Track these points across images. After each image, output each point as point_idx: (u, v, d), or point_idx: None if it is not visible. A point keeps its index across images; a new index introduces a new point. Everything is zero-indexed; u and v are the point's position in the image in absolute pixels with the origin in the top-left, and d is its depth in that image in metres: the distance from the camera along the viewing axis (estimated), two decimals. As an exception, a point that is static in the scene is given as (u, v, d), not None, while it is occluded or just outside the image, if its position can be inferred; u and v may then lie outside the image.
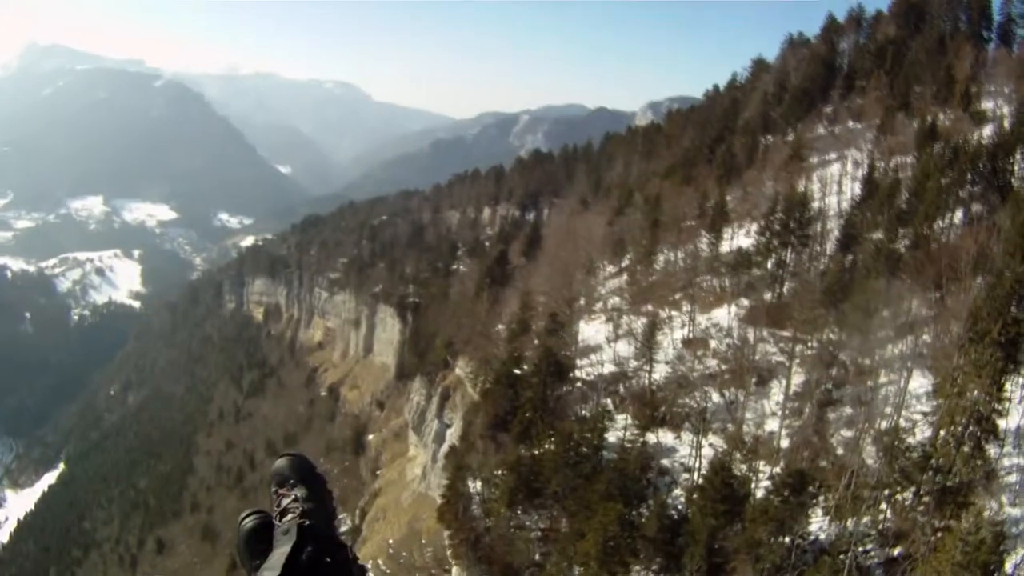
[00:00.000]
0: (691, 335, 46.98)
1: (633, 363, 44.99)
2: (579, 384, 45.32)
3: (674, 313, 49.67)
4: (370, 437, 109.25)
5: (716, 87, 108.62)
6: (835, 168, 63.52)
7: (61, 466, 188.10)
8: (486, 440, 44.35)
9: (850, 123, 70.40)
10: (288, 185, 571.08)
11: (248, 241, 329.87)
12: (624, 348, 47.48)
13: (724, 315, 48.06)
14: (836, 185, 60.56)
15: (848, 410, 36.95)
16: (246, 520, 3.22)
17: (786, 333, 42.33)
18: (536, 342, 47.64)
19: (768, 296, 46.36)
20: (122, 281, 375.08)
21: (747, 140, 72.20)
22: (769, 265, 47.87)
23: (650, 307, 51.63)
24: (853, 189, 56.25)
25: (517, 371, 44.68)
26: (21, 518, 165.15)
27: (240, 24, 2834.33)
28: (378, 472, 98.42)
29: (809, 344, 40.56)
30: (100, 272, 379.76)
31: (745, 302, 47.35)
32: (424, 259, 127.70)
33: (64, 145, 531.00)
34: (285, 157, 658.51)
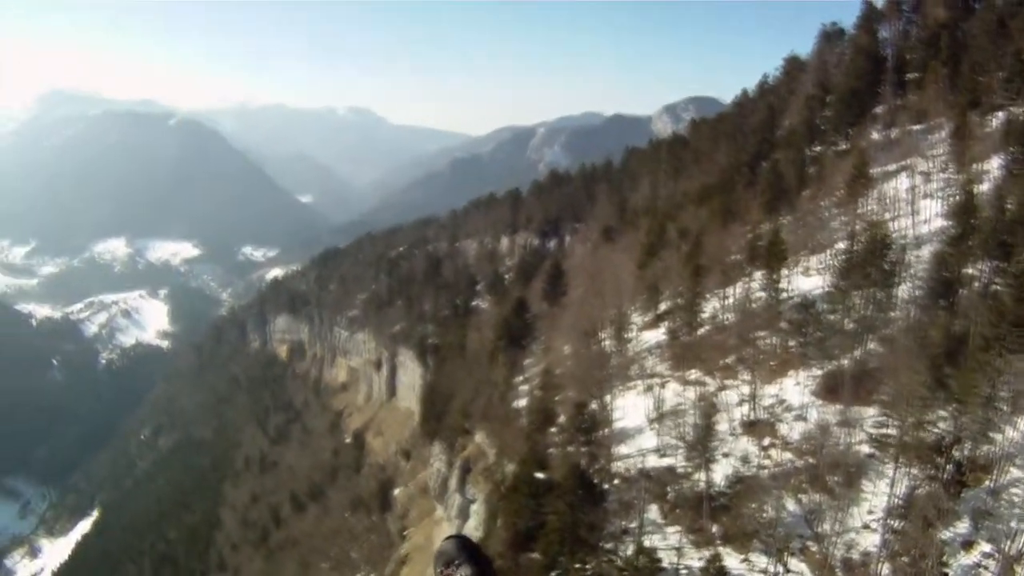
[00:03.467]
0: (752, 415, 37.85)
1: (682, 457, 35.99)
2: (616, 482, 36.59)
3: (728, 383, 40.65)
4: (396, 491, 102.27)
5: (745, 91, 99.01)
6: (901, 182, 53.92)
7: (95, 513, 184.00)
8: (507, 556, 35.79)
9: (910, 126, 60.87)
10: (310, 214, 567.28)
11: (274, 273, 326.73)
12: (670, 430, 38.48)
13: (791, 386, 38.68)
14: (906, 204, 51.00)
15: (965, 526, 28.10)
16: None
17: (872, 410, 33.46)
18: (560, 439, 38.87)
19: (845, 360, 37.18)
20: (149, 321, 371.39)
21: (793, 154, 62.55)
22: (846, 321, 38.57)
23: (697, 373, 42.72)
24: (929, 209, 46.98)
25: (540, 475, 36.26)
26: (56, 568, 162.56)
27: (248, 57, 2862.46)
28: (405, 533, 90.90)
29: (908, 430, 31.32)
30: (127, 314, 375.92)
31: (816, 370, 38.15)
32: (442, 296, 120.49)
33: (83, 190, 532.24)
34: (305, 187, 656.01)
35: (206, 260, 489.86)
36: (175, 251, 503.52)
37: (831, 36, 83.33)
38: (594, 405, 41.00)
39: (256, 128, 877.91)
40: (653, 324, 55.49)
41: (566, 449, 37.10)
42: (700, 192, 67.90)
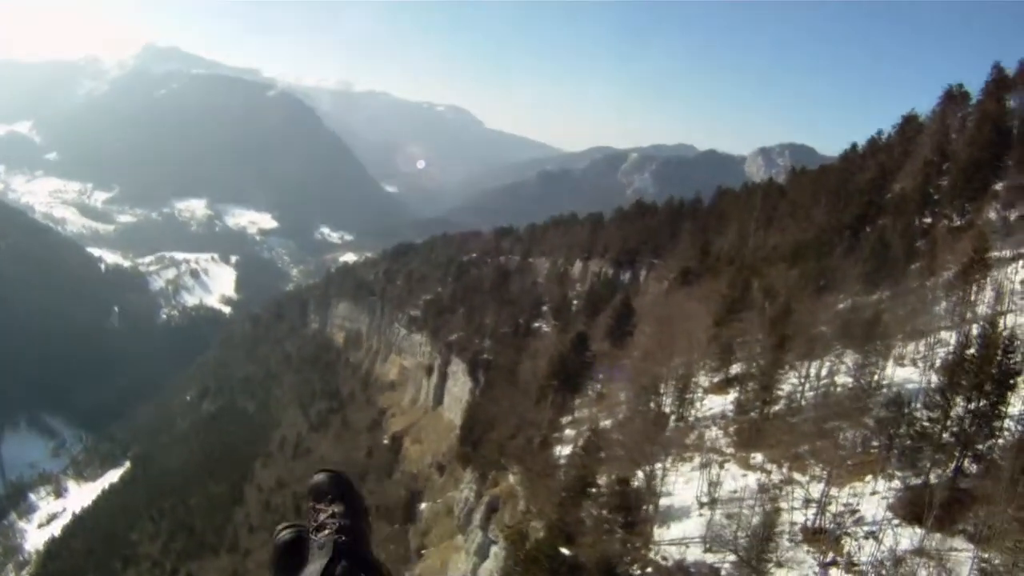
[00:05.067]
0: (817, 521, 32.43)
1: (730, 558, 30.85)
2: (649, 570, 31.78)
3: (795, 476, 35.42)
4: (423, 506, 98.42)
5: (855, 146, 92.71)
6: (1017, 272, 48.01)
7: (126, 464, 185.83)
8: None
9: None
10: (393, 205, 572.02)
11: (347, 257, 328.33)
12: (721, 527, 33.30)
13: (867, 495, 33.10)
14: (1021, 299, 45.11)
15: None
16: (282, 533, 3.17)
17: (956, 541, 28.16)
18: (595, 513, 34.14)
19: (934, 477, 31.60)
20: (216, 285, 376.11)
21: (904, 223, 56.57)
22: (942, 431, 32.89)
23: (761, 458, 37.66)
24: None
25: (565, 551, 31.73)
26: (77, 511, 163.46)
27: (357, 42, 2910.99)
28: (423, 552, 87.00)
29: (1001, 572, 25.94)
30: (195, 274, 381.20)
31: (898, 482, 32.56)
32: (505, 311, 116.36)
33: (174, 146, 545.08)
34: (392, 177, 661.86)
35: (282, 234, 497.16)
36: (253, 220, 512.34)
37: (955, 99, 76.89)
38: (640, 475, 36.26)
39: (354, 112, 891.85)
40: (721, 389, 50.19)
41: (600, 529, 32.36)
42: (793, 249, 62.37)
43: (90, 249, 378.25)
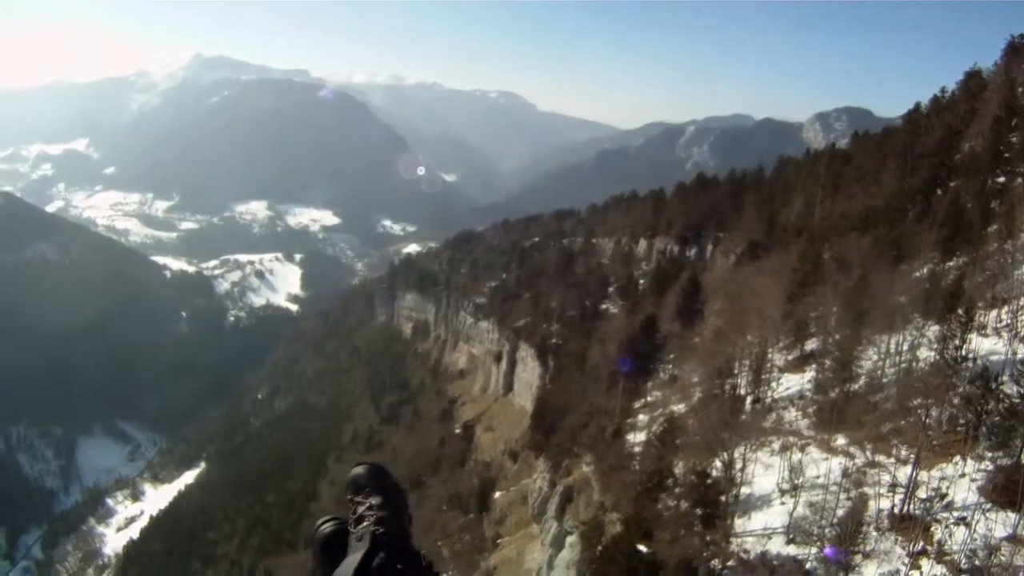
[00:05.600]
0: (906, 508, 31.01)
1: (815, 550, 29.55)
2: (731, 563, 30.83)
3: (880, 459, 34.08)
4: (497, 495, 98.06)
5: (918, 106, 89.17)
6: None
7: (201, 465, 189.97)
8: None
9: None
10: (452, 194, 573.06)
11: (411, 248, 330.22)
12: (804, 521, 32.00)
13: (956, 477, 31.60)
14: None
15: None
16: (323, 526, 3.28)
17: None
18: (674, 507, 33.20)
19: None
20: (281, 284, 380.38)
21: (977, 184, 54.16)
22: None
23: (844, 440, 36.32)
24: None
25: (642, 548, 30.96)
26: (154, 514, 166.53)
27: (404, 36, 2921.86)
28: (499, 541, 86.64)
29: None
30: (260, 275, 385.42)
31: (988, 463, 30.92)
32: (571, 294, 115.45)
33: (230, 152, 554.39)
34: (450, 166, 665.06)
35: (344, 229, 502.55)
36: (315, 218, 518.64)
37: (1019, 51, 73.52)
38: (718, 464, 35.21)
39: (407, 104, 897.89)
40: (797, 367, 48.56)
41: (679, 524, 31.43)
42: (863, 216, 60.07)
43: (154, 257, 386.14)
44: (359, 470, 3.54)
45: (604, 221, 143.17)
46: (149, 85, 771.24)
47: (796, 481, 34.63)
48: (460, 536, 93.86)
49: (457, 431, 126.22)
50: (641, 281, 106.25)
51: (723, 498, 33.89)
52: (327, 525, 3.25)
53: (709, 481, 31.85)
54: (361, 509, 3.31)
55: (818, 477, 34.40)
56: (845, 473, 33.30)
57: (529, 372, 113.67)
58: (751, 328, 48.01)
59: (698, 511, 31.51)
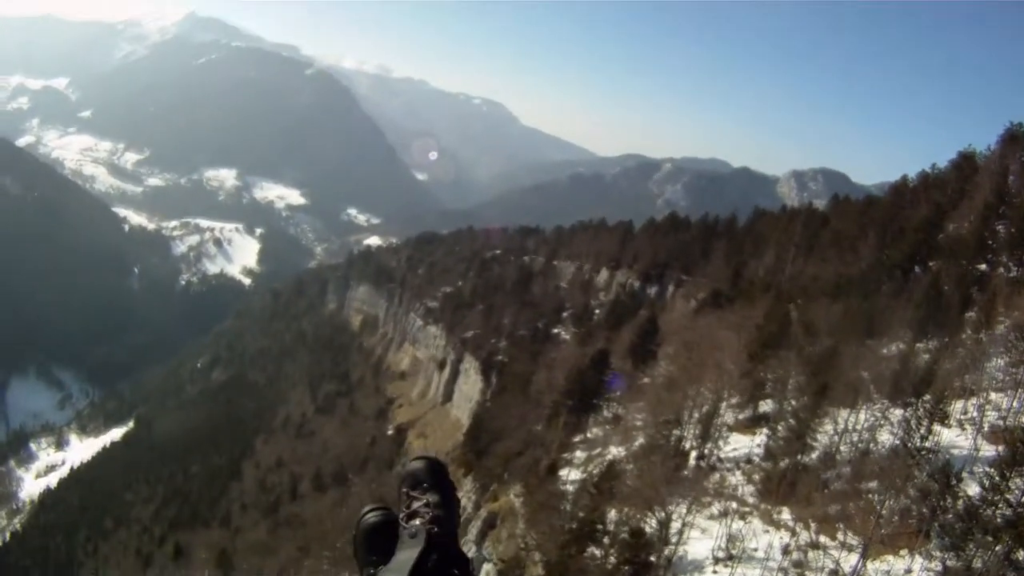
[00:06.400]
0: (845, 604, 28.50)
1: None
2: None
3: (823, 540, 31.96)
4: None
5: (905, 178, 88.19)
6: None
7: (131, 424, 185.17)
8: None
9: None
10: (422, 193, 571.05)
11: (372, 240, 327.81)
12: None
13: (902, 573, 29.30)
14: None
15: None
16: (370, 514, 3.14)
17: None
18: (601, 561, 30.78)
19: (980, 563, 27.74)
20: (238, 255, 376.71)
21: (960, 268, 52.45)
22: (995, 513, 29.12)
23: (788, 516, 34.19)
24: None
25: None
26: (76, 465, 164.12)
27: (398, 28, 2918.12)
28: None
29: None
30: (218, 243, 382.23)
31: (938, 563, 28.70)
32: (525, 313, 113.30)
33: (208, 115, 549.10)
34: (423, 164, 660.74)
35: (309, 211, 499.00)
36: (282, 195, 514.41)
37: (1017, 139, 72.69)
38: (653, 521, 32.89)
39: (390, 97, 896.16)
40: (748, 428, 46.62)
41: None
42: (836, 283, 58.54)
43: (116, 209, 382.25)
44: (419, 464, 3.31)
45: (569, 244, 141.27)
46: (139, 36, 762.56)
47: (733, 551, 32.44)
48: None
49: (390, 432, 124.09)
50: (597, 311, 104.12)
51: (654, 558, 31.60)
52: (374, 515, 3.06)
53: (643, 539, 29.51)
54: (416, 505, 3.12)
55: (756, 550, 32.27)
56: (786, 551, 31.27)
57: (471, 385, 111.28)
58: (706, 380, 45.91)
59: (627, 568, 29.15)
